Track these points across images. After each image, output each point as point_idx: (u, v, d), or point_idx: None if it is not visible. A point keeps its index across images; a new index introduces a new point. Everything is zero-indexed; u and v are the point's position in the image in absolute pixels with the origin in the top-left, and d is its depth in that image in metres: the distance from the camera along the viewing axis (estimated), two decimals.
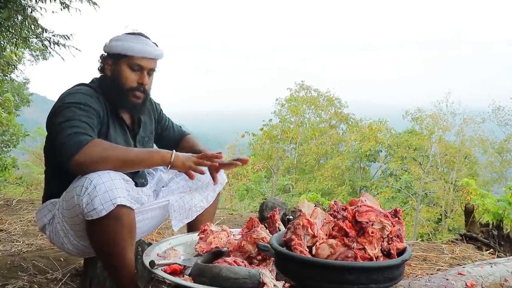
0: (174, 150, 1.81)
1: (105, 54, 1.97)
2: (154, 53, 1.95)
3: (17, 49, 6.19)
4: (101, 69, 1.98)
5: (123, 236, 1.70)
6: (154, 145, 2.27)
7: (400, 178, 21.65)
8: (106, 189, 1.63)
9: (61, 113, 1.73)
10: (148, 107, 2.13)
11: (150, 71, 1.98)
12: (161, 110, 2.29)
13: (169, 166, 1.80)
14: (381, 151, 23.20)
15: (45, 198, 1.94)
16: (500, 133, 23.65)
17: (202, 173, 1.87)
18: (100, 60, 1.99)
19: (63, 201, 1.76)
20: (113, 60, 1.94)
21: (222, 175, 2.34)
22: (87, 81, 2.00)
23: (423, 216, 19.35)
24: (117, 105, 1.95)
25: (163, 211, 2.12)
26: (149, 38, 1.99)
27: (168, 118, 2.32)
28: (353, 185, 22.40)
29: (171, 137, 2.29)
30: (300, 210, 1.23)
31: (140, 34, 1.98)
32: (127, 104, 1.95)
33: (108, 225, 1.65)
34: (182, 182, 2.17)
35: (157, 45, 2.01)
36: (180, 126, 2.37)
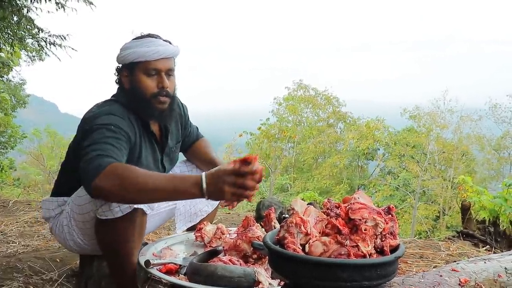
0: (203, 178, 1.43)
1: (119, 66, 1.87)
2: (167, 52, 1.83)
3: (13, 50, 6.18)
4: (119, 82, 1.89)
5: (133, 238, 1.69)
6: (181, 154, 2.19)
7: (398, 176, 21.68)
8: None
9: (90, 135, 1.62)
10: (175, 109, 2.00)
11: (169, 72, 1.85)
12: (188, 115, 2.17)
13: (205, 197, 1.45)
14: (379, 149, 23.23)
15: (56, 193, 1.92)
16: (497, 131, 23.73)
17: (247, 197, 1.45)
18: (116, 73, 1.89)
19: (76, 196, 1.75)
20: (128, 70, 1.83)
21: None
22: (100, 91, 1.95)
23: (421, 213, 19.38)
24: (144, 117, 1.85)
25: (169, 213, 2.14)
26: (158, 37, 1.87)
27: (191, 122, 2.22)
28: (351, 183, 22.42)
29: (188, 142, 2.19)
30: (293, 208, 1.23)
31: (148, 35, 1.86)
32: (154, 112, 1.84)
33: (121, 226, 1.64)
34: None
35: (170, 43, 1.88)
36: (196, 127, 2.26)
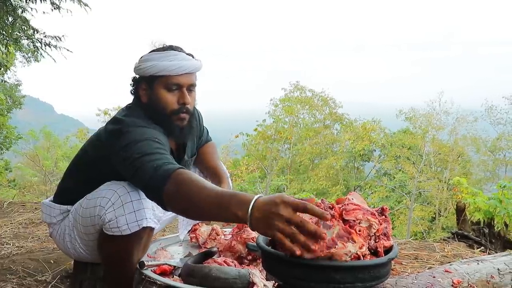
0: (254, 199, 1.16)
1: (137, 77, 1.79)
2: (191, 67, 1.74)
3: (8, 50, 6.17)
4: (135, 94, 1.80)
5: (138, 253, 1.68)
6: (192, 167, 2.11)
7: (394, 177, 21.73)
8: (134, 209, 1.57)
9: (135, 147, 1.52)
10: (194, 126, 1.96)
11: (190, 87, 1.77)
12: (203, 124, 2.12)
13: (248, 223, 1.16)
14: (375, 151, 23.28)
15: (60, 199, 1.85)
16: (493, 132, 23.82)
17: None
18: (132, 84, 1.81)
19: (80, 207, 1.70)
20: (147, 83, 1.74)
21: (224, 171, 2.17)
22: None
23: (417, 215, 19.42)
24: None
25: (170, 219, 2.13)
26: (181, 50, 1.78)
27: (204, 128, 2.16)
28: (347, 184, 22.45)
29: (197, 147, 2.12)
30: None
31: (170, 47, 1.76)
32: (173, 130, 1.76)
33: (127, 243, 1.62)
34: None
35: (192, 56, 1.80)
36: (207, 130, 2.20)
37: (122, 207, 1.57)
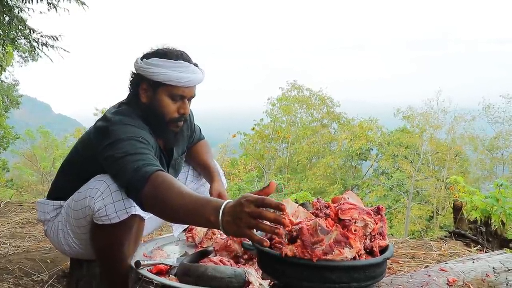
0: (223, 204, 1.23)
1: (137, 73, 1.78)
2: (197, 80, 1.79)
3: (5, 50, 6.15)
4: (134, 91, 1.81)
5: (129, 243, 1.68)
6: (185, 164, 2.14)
7: (392, 176, 21.72)
8: (122, 197, 1.59)
9: (118, 146, 1.56)
10: (184, 130, 2.01)
11: (191, 98, 1.83)
12: (194, 123, 2.14)
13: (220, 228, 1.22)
14: (372, 150, 23.29)
15: (53, 196, 1.87)
16: (490, 131, 23.84)
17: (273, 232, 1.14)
18: (131, 79, 1.81)
19: (72, 200, 1.72)
20: (150, 86, 1.75)
21: (217, 168, 2.19)
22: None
23: (414, 213, 19.44)
24: (156, 135, 1.79)
25: None
26: (190, 60, 1.80)
27: (196, 126, 2.18)
28: (345, 183, 22.45)
29: (189, 145, 2.14)
30: None
31: (181, 56, 1.77)
32: (166, 135, 1.83)
33: (117, 232, 1.63)
34: (190, 185, 2.14)
35: (197, 65, 1.82)
36: (199, 129, 2.22)
37: (110, 195, 1.59)
